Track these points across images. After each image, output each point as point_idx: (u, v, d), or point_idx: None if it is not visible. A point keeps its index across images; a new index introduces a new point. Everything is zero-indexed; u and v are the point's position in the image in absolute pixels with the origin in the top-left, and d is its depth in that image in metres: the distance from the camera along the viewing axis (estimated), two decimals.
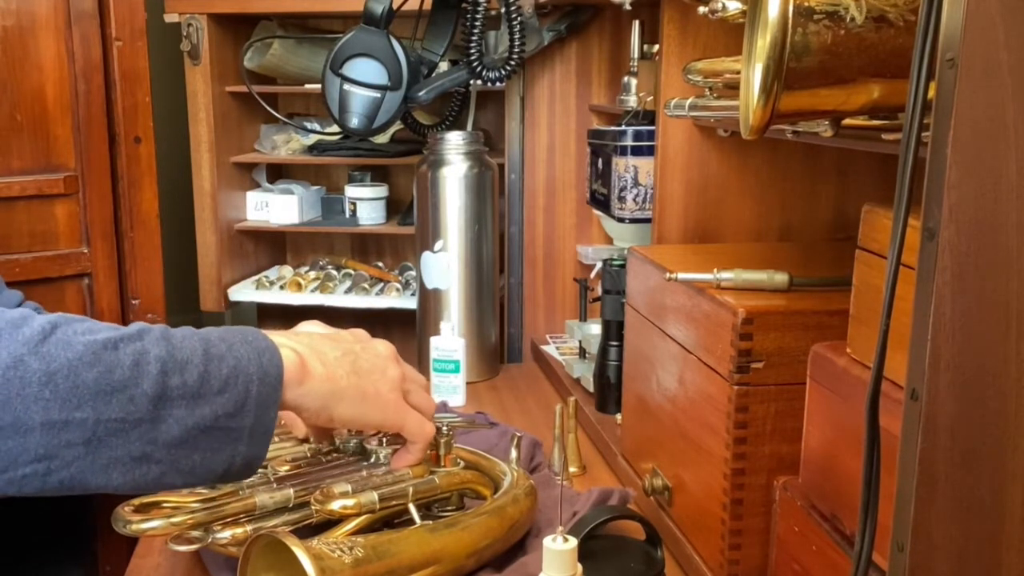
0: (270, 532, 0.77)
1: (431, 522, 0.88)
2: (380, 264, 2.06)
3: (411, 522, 0.87)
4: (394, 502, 0.88)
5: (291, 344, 0.78)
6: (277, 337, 0.78)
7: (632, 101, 1.29)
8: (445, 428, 0.99)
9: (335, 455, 0.97)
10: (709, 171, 1.16)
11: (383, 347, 0.88)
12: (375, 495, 0.86)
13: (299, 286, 1.86)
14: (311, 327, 0.94)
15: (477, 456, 1.05)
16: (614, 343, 1.29)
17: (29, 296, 1.13)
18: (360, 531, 0.85)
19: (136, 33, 1.51)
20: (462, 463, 1.00)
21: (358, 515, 0.85)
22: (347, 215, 1.93)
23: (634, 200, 1.25)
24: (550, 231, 1.70)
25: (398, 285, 1.86)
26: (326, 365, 0.80)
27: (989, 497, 0.52)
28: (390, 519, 0.90)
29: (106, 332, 0.68)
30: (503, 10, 1.40)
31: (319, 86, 1.43)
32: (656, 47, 1.28)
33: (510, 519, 0.92)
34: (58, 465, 0.65)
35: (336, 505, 0.85)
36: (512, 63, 1.43)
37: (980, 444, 0.51)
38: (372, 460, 0.95)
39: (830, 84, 0.61)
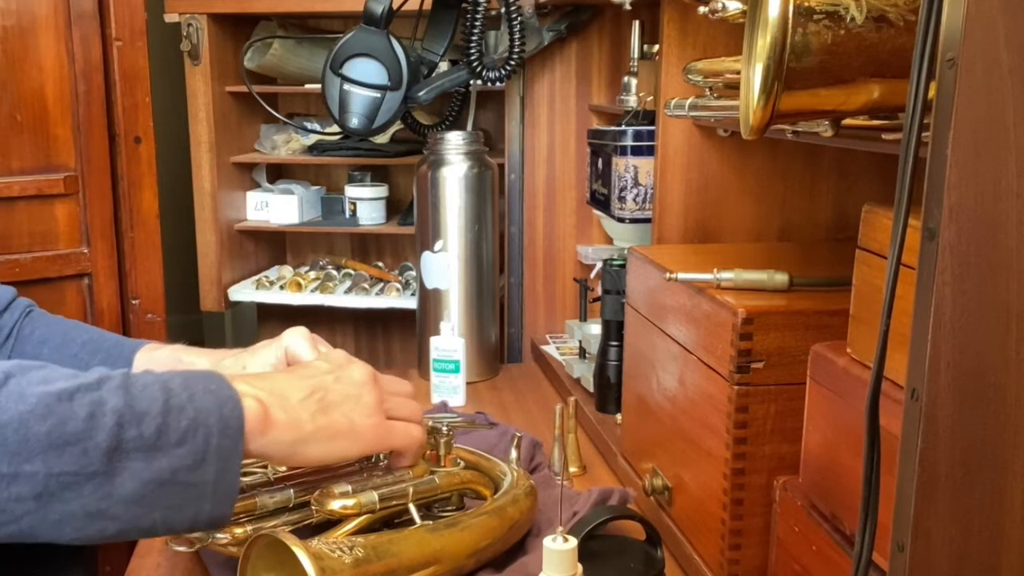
0: (270, 532, 0.77)
1: (431, 522, 0.88)
2: (380, 264, 2.06)
3: (411, 522, 0.87)
4: (394, 502, 0.88)
5: (254, 392, 0.76)
6: (241, 384, 0.76)
7: (632, 101, 1.29)
8: (445, 428, 0.99)
9: None
10: (709, 171, 1.16)
11: (358, 372, 0.86)
12: (375, 495, 0.86)
13: (299, 286, 1.86)
14: (295, 336, 0.94)
15: (477, 456, 1.05)
16: (614, 343, 1.29)
17: (29, 296, 1.13)
18: (360, 531, 0.85)
19: (136, 33, 1.51)
20: (462, 463, 1.00)
21: (358, 515, 0.85)
22: (347, 215, 1.93)
23: (634, 200, 1.25)
24: (550, 231, 1.70)
25: (398, 285, 1.86)
26: (289, 411, 0.78)
27: (989, 497, 0.52)
28: (390, 519, 0.90)
29: (62, 383, 0.67)
30: (503, 10, 1.40)
31: (319, 86, 1.43)
32: (656, 47, 1.28)
33: (510, 519, 0.92)
34: (6, 519, 0.64)
35: (336, 505, 0.85)
36: (512, 63, 1.43)
37: (980, 444, 0.51)
38: (372, 460, 0.95)
39: (830, 84, 0.61)
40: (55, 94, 1.44)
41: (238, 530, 0.82)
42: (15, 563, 1.13)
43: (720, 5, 0.74)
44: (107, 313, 1.52)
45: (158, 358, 0.99)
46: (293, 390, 0.80)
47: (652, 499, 1.03)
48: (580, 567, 0.71)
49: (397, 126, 1.67)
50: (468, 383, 1.46)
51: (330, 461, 0.84)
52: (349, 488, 0.86)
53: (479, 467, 1.02)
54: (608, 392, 1.30)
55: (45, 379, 0.67)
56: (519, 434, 1.12)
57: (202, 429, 0.70)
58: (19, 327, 1.04)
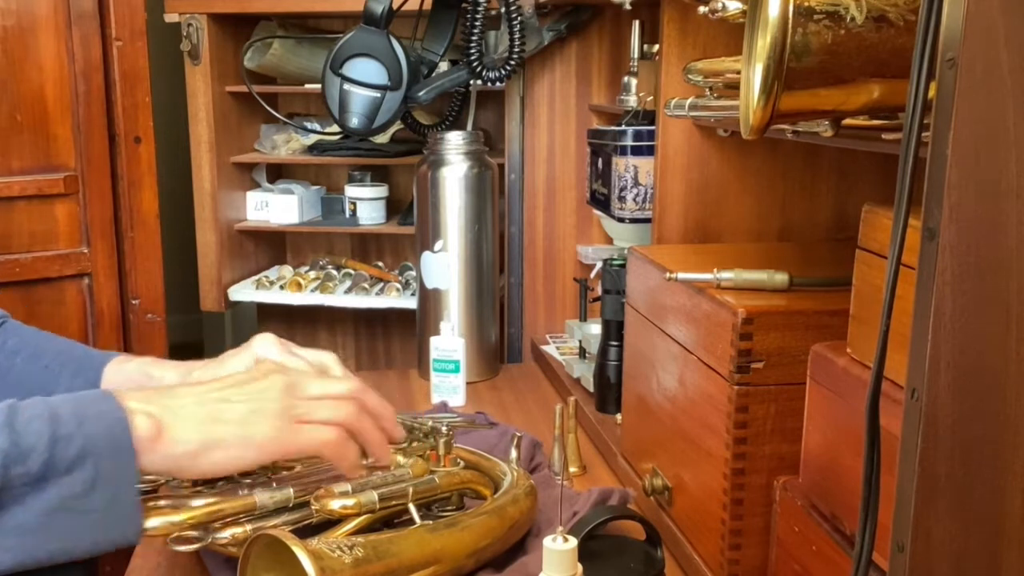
0: (270, 532, 0.77)
1: (431, 522, 0.88)
2: (380, 264, 2.06)
3: (411, 522, 0.87)
4: (394, 502, 0.88)
5: (146, 408, 0.76)
6: (134, 402, 0.76)
7: (632, 101, 1.29)
8: (445, 428, 0.99)
9: None
10: (709, 171, 1.16)
11: (270, 381, 0.84)
12: (375, 495, 0.86)
13: (299, 286, 1.86)
14: (264, 343, 0.94)
15: (477, 456, 1.05)
16: (614, 343, 1.29)
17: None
18: (360, 531, 0.85)
19: (136, 33, 1.51)
20: (462, 463, 1.00)
21: (358, 515, 0.85)
22: (347, 215, 1.93)
23: (634, 200, 1.25)
24: (550, 231, 1.70)
25: (398, 285, 1.86)
26: (179, 424, 0.77)
27: (989, 497, 0.52)
28: (390, 519, 0.90)
29: None
30: (503, 10, 1.40)
31: (319, 86, 1.43)
32: (656, 47, 1.28)
33: (510, 519, 0.92)
34: None
35: (336, 505, 0.85)
36: (512, 63, 1.43)
37: (980, 444, 0.51)
38: (371, 460, 0.95)
39: (830, 84, 0.61)
40: (55, 94, 1.45)
41: (238, 530, 0.82)
42: None
43: (720, 5, 0.74)
44: (107, 313, 1.52)
45: (127, 371, 0.99)
46: (188, 404, 0.80)
47: (652, 499, 1.03)
48: (580, 567, 0.71)
49: (397, 126, 1.67)
50: (468, 383, 1.46)
51: (229, 471, 0.83)
52: (349, 488, 0.86)
53: (479, 467, 1.02)
54: (608, 392, 1.30)
55: None
56: (519, 434, 1.12)
57: (91, 457, 0.70)
58: None
